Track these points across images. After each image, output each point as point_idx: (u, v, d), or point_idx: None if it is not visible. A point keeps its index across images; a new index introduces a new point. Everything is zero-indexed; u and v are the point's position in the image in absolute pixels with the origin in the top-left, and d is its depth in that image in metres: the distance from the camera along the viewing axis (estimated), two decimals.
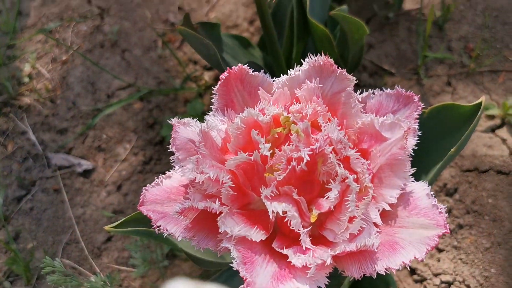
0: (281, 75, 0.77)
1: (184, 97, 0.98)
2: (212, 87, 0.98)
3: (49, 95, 1.01)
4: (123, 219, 0.53)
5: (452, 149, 0.57)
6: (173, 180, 0.50)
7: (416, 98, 0.50)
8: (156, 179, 0.49)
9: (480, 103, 0.58)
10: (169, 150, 0.48)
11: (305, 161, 0.43)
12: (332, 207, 0.44)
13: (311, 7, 0.72)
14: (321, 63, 0.50)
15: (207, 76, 1.01)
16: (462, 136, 0.57)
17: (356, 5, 1.02)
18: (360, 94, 0.51)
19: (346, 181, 0.43)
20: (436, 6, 1.01)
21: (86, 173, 0.92)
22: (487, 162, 0.84)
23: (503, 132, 0.87)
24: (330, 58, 0.74)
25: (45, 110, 0.99)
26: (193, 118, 0.87)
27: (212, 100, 0.52)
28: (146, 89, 0.96)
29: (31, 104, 1.00)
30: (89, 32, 1.09)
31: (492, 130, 0.87)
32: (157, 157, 0.92)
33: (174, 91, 0.97)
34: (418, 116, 0.49)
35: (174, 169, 0.50)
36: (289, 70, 0.51)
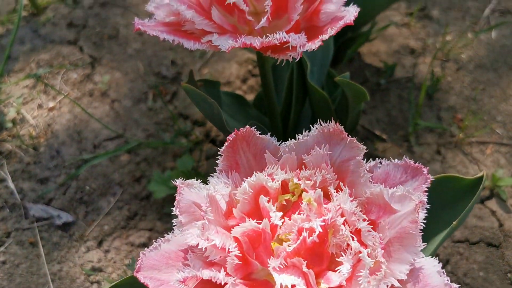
0: (279, 136, 0.76)
1: (173, 151, 0.96)
2: (203, 143, 0.97)
3: (33, 142, 0.98)
4: (114, 283, 0.50)
5: (454, 222, 0.57)
6: (172, 244, 0.47)
7: (425, 170, 0.49)
8: (155, 242, 0.46)
9: (482, 177, 0.58)
10: (172, 213, 0.46)
11: (317, 232, 0.41)
12: (343, 282, 0.42)
13: (310, 71, 0.73)
14: (330, 130, 0.49)
15: (198, 131, 0.99)
16: (464, 209, 0.57)
17: (348, 70, 1.04)
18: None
19: (359, 255, 0.41)
20: (426, 76, 1.04)
21: (66, 226, 0.87)
22: (478, 233, 0.84)
23: (492, 204, 0.87)
24: (329, 122, 0.74)
25: (26, 157, 0.95)
26: (183, 174, 0.85)
27: (217, 162, 0.50)
28: (135, 142, 0.93)
29: (12, 151, 0.96)
30: (79, 80, 1.08)
31: (482, 201, 0.88)
32: (142, 213, 0.88)
33: (164, 145, 0.95)
34: (427, 189, 0.49)
35: (173, 232, 0.47)
36: (297, 135, 0.50)
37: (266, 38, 0.50)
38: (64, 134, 0.99)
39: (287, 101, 0.79)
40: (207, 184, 0.49)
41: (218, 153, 0.50)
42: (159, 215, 0.87)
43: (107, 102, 1.04)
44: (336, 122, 0.49)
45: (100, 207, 0.90)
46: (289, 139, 0.82)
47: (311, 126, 0.50)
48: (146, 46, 1.13)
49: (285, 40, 0.51)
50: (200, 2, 0.57)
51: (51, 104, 1.04)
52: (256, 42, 0.50)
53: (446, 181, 0.60)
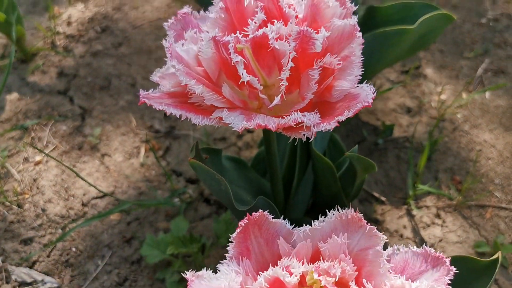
0: (281, 202, 0.73)
1: (166, 210, 0.92)
2: (196, 202, 0.93)
3: (17, 198, 0.93)
4: None
5: None
6: None
7: (447, 261, 0.47)
8: None
9: (497, 259, 0.57)
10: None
11: None
12: None
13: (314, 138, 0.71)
14: (349, 217, 0.47)
15: (191, 189, 0.96)
16: None
17: (345, 129, 1.03)
18: None
19: None
20: (422, 136, 1.03)
21: None
22: None
23: None
24: (332, 189, 0.71)
25: (10, 215, 0.90)
26: (177, 240, 0.80)
27: (227, 248, 0.47)
28: (126, 203, 0.89)
29: None
30: (68, 132, 1.04)
31: None
32: (133, 278, 0.84)
33: (156, 205, 0.91)
34: (449, 281, 0.46)
35: None
36: (313, 221, 0.47)
37: (281, 120, 0.48)
38: (50, 191, 0.94)
39: (290, 166, 0.77)
40: (217, 272, 0.46)
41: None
42: (151, 281, 0.83)
43: (97, 157, 1.00)
44: (347, 203, 0.46)
45: (87, 270, 0.85)
46: (291, 205, 0.79)
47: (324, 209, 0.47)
48: (138, 98, 1.10)
49: (300, 120, 0.49)
50: (208, 74, 0.55)
51: (37, 158, 0.99)
52: (272, 124, 0.48)
53: (460, 261, 0.58)
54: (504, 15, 1.27)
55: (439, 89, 1.12)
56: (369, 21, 0.98)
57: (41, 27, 1.23)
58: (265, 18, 0.52)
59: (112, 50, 1.19)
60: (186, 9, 0.60)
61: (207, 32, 0.57)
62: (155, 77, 0.57)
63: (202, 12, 0.62)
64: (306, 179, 0.79)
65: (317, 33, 0.51)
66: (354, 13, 0.93)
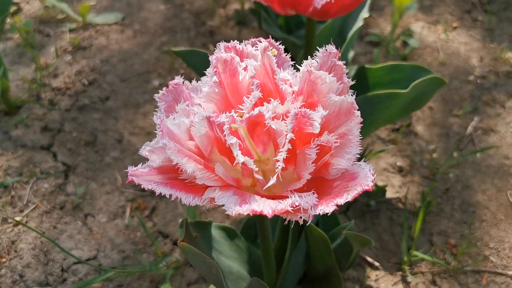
0: (273, 271, 0.70)
1: (151, 276, 0.88)
2: (183, 267, 0.89)
3: None
4: None
5: None
6: None
7: None
8: None
9: None
10: None
11: None
12: None
13: None
14: None
15: (178, 253, 0.92)
16: None
17: None
18: None
19: None
20: (415, 196, 1.01)
21: None
22: None
23: None
24: (326, 261, 0.68)
25: None
26: None
27: None
28: (108, 271, 0.85)
29: None
30: (49, 190, 1.00)
31: None
32: None
33: (141, 272, 0.87)
34: None
35: None
36: None
37: (278, 205, 0.46)
38: (29, 254, 0.89)
39: (282, 234, 0.74)
40: None
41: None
42: None
43: (80, 217, 0.96)
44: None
45: None
46: (283, 276, 0.76)
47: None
48: (125, 154, 1.07)
49: (297, 204, 0.47)
50: (200, 149, 0.53)
51: (17, 218, 0.95)
52: (267, 210, 0.45)
53: None
54: (492, 72, 1.28)
55: (430, 147, 1.11)
56: (360, 82, 0.97)
57: (26, 80, 1.21)
58: (261, 96, 0.50)
59: (99, 104, 1.17)
60: (178, 79, 0.59)
61: (200, 105, 0.55)
62: (144, 151, 0.54)
63: (194, 82, 0.60)
64: (299, 247, 0.76)
65: (315, 110, 0.50)
66: (340, 59, 0.92)
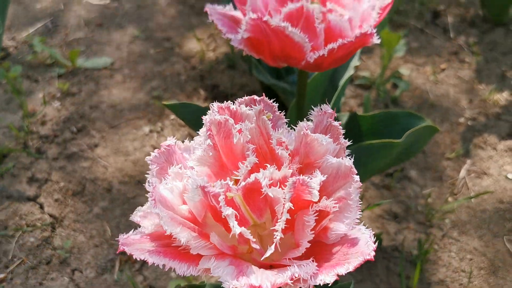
0: None
1: None
2: None
3: None
4: None
5: None
6: None
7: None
8: None
9: None
10: None
11: None
12: None
13: None
14: None
15: None
16: None
17: None
18: None
19: None
20: (412, 244, 1.00)
21: None
22: None
23: None
24: None
25: None
26: None
27: None
28: None
29: None
30: (36, 244, 0.97)
31: None
32: None
33: None
34: None
35: None
36: None
37: (277, 278, 0.44)
38: None
39: None
40: None
41: None
42: None
43: (67, 272, 0.93)
44: None
45: None
46: None
47: None
48: (114, 204, 1.05)
49: (297, 275, 0.45)
50: (193, 214, 0.51)
51: (1, 275, 0.91)
52: (266, 284, 0.43)
53: None
54: (481, 114, 1.29)
55: (424, 192, 1.10)
56: (352, 130, 0.97)
57: (13, 128, 1.19)
58: (257, 161, 0.48)
59: (87, 152, 1.15)
60: (170, 140, 0.57)
61: (193, 168, 0.53)
62: (135, 217, 0.52)
63: (186, 141, 0.59)
64: None
65: (311, 171, 0.49)
66: (336, 119, 0.92)
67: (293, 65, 0.74)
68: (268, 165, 0.48)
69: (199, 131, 0.56)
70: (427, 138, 0.91)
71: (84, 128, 1.21)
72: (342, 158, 0.51)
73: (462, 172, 1.14)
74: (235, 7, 0.78)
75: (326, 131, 0.55)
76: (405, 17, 1.64)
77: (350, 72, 0.95)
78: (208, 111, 0.55)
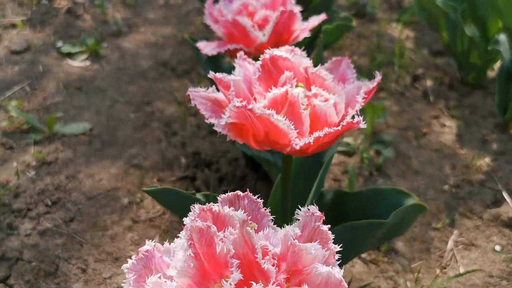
0: None
1: None
2: None
3: None
4: None
5: None
6: None
7: None
8: None
9: None
10: None
11: None
12: None
13: None
14: None
15: None
16: None
17: None
18: None
19: None
20: None
21: None
22: None
23: None
24: None
25: None
26: None
27: None
28: None
29: None
30: None
31: None
32: None
33: None
34: None
35: None
36: None
37: None
38: None
39: None
40: None
41: None
42: None
43: None
44: None
45: None
46: None
47: None
48: (89, 285, 0.99)
49: None
50: None
51: None
52: None
53: None
54: (465, 181, 1.28)
55: (412, 266, 1.07)
56: (337, 207, 0.94)
57: None
58: (242, 277, 0.45)
59: (62, 227, 1.10)
60: (148, 245, 0.53)
61: (173, 280, 0.49)
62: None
63: (166, 244, 0.55)
64: None
65: (300, 280, 0.45)
66: (322, 196, 0.88)
67: (278, 150, 0.72)
68: (254, 284, 0.44)
69: (181, 218, 0.53)
70: (415, 216, 0.89)
71: (60, 201, 1.16)
72: (332, 267, 0.48)
73: (450, 244, 1.12)
74: (218, 88, 0.77)
75: (314, 234, 0.52)
76: (385, 81, 1.66)
77: (334, 148, 0.93)
78: (189, 213, 0.52)
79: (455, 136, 1.45)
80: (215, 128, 0.70)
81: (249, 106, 0.65)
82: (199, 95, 0.73)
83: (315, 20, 1.07)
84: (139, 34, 1.95)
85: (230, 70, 1.22)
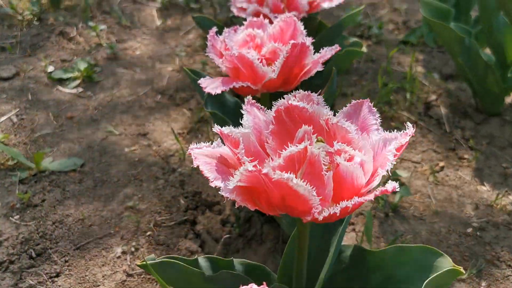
0: None
1: None
2: None
3: None
4: None
5: None
6: None
7: None
8: None
9: None
10: None
11: None
12: None
13: None
14: None
15: None
16: None
17: None
18: None
19: None
20: None
21: None
22: None
23: None
24: None
25: None
26: None
27: None
28: None
29: None
30: None
31: None
32: None
33: None
34: None
35: None
36: None
37: None
38: None
39: None
40: None
41: None
42: None
43: None
44: None
45: None
46: None
47: None
48: None
49: None
50: None
51: None
52: None
53: None
54: (490, 223, 1.18)
55: None
56: (357, 265, 0.84)
57: None
58: None
59: (47, 284, 0.98)
60: None
61: None
62: None
63: None
64: None
65: None
66: (341, 252, 0.76)
67: (296, 216, 0.62)
68: None
69: None
70: (450, 281, 0.78)
71: (45, 251, 1.05)
72: None
73: None
74: (223, 141, 0.66)
75: None
76: (396, 109, 1.56)
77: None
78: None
79: (474, 171, 1.34)
80: (221, 192, 0.60)
81: (264, 170, 0.55)
82: (201, 153, 0.62)
83: (328, 52, 0.97)
84: (135, 57, 1.85)
85: (235, 105, 1.13)
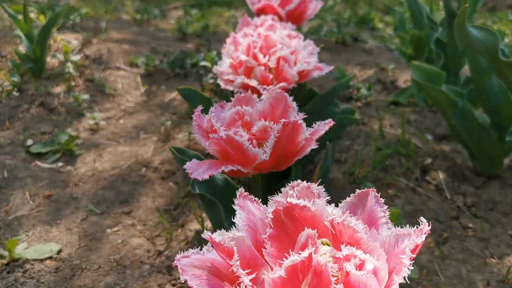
0: None
1: None
2: None
3: None
4: None
5: None
6: None
7: None
8: None
9: None
10: None
11: None
12: None
13: None
14: None
15: None
16: None
17: None
18: None
19: None
20: None
21: None
22: None
23: None
24: None
25: None
26: None
27: None
28: None
29: None
30: None
31: None
32: None
33: None
34: None
35: None
36: None
37: None
38: None
39: None
40: None
41: None
42: None
43: None
44: None
45: None
46: None
47: None
48: None
49: None
50: None
51: None
52: None
53: None
54: None
55: None
56: None
57: None
58: None
59: None
60: None
61: None
62: None
63: None
64: None
65: None
66: None
67: None
68: None
69: None
70: None
71: None
72: None
73: None
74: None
75: None
76: (393, 175, 1.50)
77: None
78: None
79: (480, 241, 1.26)
80: None
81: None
82: (190, 263, 0.54)
83: (322, 127, 0.91)
84: (118, 127, 1.79)
85: (224, 184, 1.05)
